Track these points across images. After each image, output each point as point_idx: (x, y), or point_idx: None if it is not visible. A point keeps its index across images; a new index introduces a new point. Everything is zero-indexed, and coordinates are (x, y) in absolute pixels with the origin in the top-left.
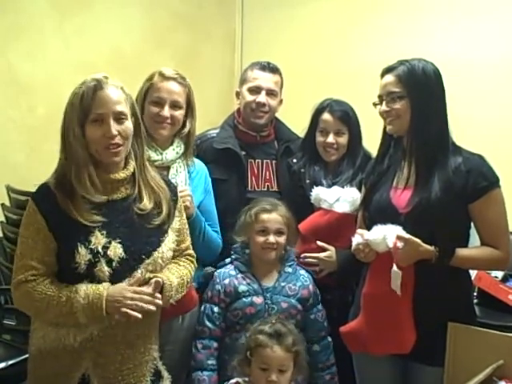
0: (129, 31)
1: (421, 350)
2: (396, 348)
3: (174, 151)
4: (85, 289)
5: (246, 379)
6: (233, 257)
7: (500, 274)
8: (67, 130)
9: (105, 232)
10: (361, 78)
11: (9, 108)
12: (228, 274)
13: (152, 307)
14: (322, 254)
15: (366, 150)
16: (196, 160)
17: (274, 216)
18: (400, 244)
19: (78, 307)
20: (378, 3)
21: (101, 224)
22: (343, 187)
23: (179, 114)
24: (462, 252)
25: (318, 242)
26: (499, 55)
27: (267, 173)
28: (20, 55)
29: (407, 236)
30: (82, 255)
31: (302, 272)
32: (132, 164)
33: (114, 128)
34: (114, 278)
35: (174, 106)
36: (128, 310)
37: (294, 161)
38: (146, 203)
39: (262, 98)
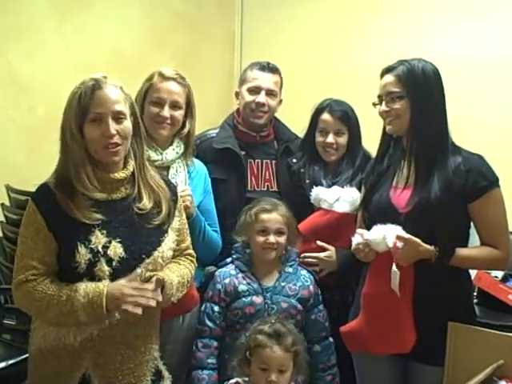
0: (129, 31)
1: (421, 349)
2: (396, 348)
3: (173, 151)
4: (84, 287)
5: (246, 379)
6: (234, 256)
7: (500, 274)
8: (65, 130)
9: (105, 231)
10: (361, 78)
11: (9, 108)
12: (228, 274)
13: (152, 303)
14: (321, 254)
15: (366, 150)
16: (195, 160)
17: (274, 216)
18: (400, 244)
19: (79, 306)
20: (377, 3)
21: (101, 223)
22: (343, 187)
23: (179, 114)
24: (461, 252)
25: (318, 242)
26: (499, 55)
27: (267, 173)
28: (20, 55)
29: (407, 236)
30: (82, 255)
31: (303, 272)
32: (131, 164)
33: (113, 127)
34: (114, 278)
35: (174, 106)
36: (128, 307)
37: (294, 161)
38: (146, 203)
39: (261, 98)
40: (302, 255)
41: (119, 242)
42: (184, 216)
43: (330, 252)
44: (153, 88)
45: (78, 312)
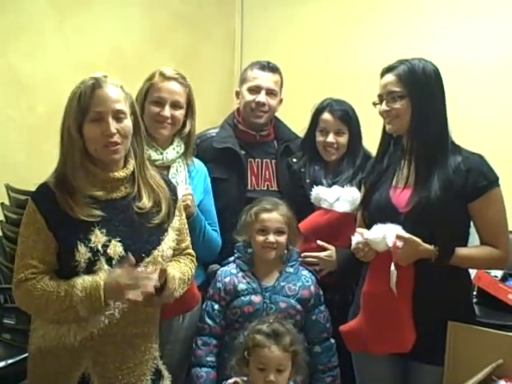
0: (129, 31)
1: (421, 349)
2: (396, 347)
3: (174, 151)
4: (81, 282)
5: (245, 378)
6: (235, 255)
7: (499, 274)
8: (65, 130)
9: (104, 230)
10: (361, 78)
11: (9, 108)
12: (229, 273)
13: (150, 288)
14: (322, 254)
15: (366, 149)
16: (195, 160)
17: (274, 215)
18: (400, 243)
19: (77, 301)
20: (377, 3)
21: (100, 221)
22: (343, 187)
23: (180, 113)
24: (461, 251)
25: (318, 242)
26: (499, 55)
27: (267, 172)
28: (20, 55)
29: (407, 235)
30: (82, 253)
31: (305, 272)
32: (132, 163)
33: (113, 126)
34: (123, 302)
35: (175, 105)
36: (129, 296)
37: (294, 160)
38: (146, 202)
39: (261, 97)
40: (303, 255)
41: (119, 240)
42: (184, 216)
43: (330, 251)
44: (154, 88)
45: (77, 307)
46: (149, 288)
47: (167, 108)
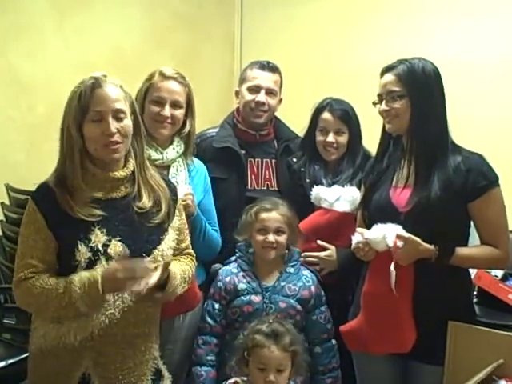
0: (129, 31)
1: (421, 349)
2: (396, 347)
3: (174, 150)
4: (79, 278)
5: (245, 378)
6: (237, 255)
7: (500, 273)
8: (65, 129)
9: (104, 230)
10: (361, 78)
11: (9, 108)
12: (230, 272)
13: (148, 278)
14: (322, 253)
15: (366, 149)
16: (195, 159)
17: (274, 215)
18: (400, 243)
19: (76, 297)
20: (377, 3)
21: (100, 221)
22: (343, 186)
23: (179, 113)
24: (461, 251)
25: (319, 241)
26: (499, 55)
27: (267, 172)
28: (20, 55)
29: (407, 235)
30: (82, 253)
31: (306, 272)
32: (132, 162)
33: (113, 126)
34: (122, 292)
35: (175, 105)
36: (131, 288)
37: (294, 160)
38: (146, 201)
39: (261, 97)
40: (303, 254)
41: (119, 240)
42: (184, 216)
43: (331, 251)
44: (153, 87)
45: (76, 303)
46: (149, 277)
47: (167, 108)
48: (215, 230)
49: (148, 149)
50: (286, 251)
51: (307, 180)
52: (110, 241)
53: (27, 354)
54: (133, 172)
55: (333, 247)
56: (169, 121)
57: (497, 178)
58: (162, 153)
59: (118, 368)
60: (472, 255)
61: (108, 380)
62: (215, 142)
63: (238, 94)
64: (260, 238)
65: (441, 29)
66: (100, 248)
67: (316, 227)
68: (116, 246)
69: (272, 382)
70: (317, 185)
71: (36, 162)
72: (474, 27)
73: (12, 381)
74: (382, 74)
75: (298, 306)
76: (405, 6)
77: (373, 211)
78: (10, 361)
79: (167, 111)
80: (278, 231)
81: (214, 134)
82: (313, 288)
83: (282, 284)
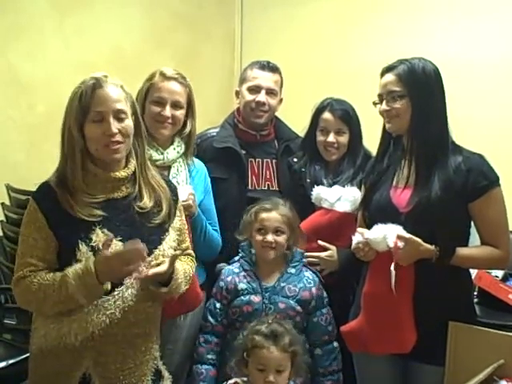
0: (129, 31)
1: (421, 349)
2: (396, 348)
3: (174, 150)
4: (73, 270)
5: (245, 379)
6: (240, 255)
7: (500, 274)
8: (66, 130)
9: (105, 230)
10: (361, 78)
11: (9, 108)
12: (232, 272)
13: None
14: (323, 254)
15: (367, 149)
16: (195, 159)
17: (273, 215)
18: (401, 244)
19: (73, 289)
20: (377, 3)
21: (101, 221)
22: (344, 186)
23: (180, 113)
24: (462, 251)
25: (319, 242)
26: (499, 55)
27: (267, 172)
28: (20, 55)
29: (408, 236)
30: (83, 252)
31: (307, 274)
32: (133, 163)
33: (115, 126)
34: (118, 279)
35: (175, 105)
36: (134, 275)
37: (295, 160)
38: (147, 201)
39: (261, 97)
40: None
41: (120, 240)
42: (184, 216)
43: (331, 251)
44: (154, 87)
45: (74, 295)
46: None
47: (168, 108)
48: (215, 230)
49: (149, 149)
50: (288, 252)
51: (308, 180)
52: (110, 241)
53: (28, 355)
54: (134, 172)
55: (333, 247)
56: (169, 121)
57: (497, 178)
58: (162, 153)
59: (119, 368)
60: (472, 255)
61: (108, 380)
62: (216, 142)
63: (238, 94)
64: (259, 237)
65: (441, 29)
66: (101, 247)
67: (317, 227)
68: (117, 246)
69: (272, 383)
70: (317, 185)
71: (36, 161)
72: (474, 27)
73: (13, 381)
74: (383, 74)
75: (298, 307)
76: (405, 6)
77: (373, 211)
78: (11, 361)
79: (168, 112)
80: (277, 231)
81: (214, 134)
82: (314, 289)
83: (282, 285)
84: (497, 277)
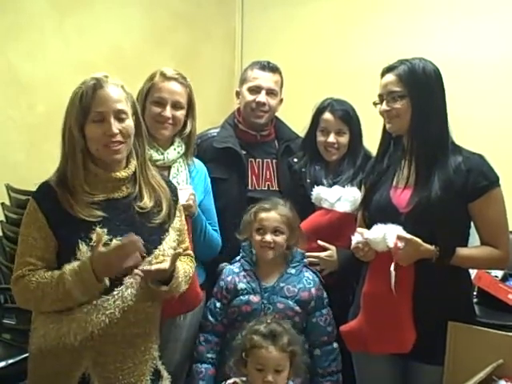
0: (129, 31)
1: (421, 349)
2: (396, 347)
3: (175, 151)
4: (70, 267)
5: (244, 379)
6: (241, 254)
7: (500, 274)
8: (66, 130)
9: (106, 230)
10: (361, 78)
11: (9, 108)
12: (232, 271)
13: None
14: (323, 254)
15: (367, 149)
16: (195, 160)
17: (272, 215)
18: (401, 244)
19: (70, 285)
20: (377, 3)
21: (101, 221)
22: (344, 187)
23: (180, 114)
24: (462, 251)
25: (319, 242)
26: (499, 55)
27: (268, 172)
28: (20, 55)
29: (408, 236)
30: (83, 252)
31: (307, 274)
32: (133, 163)
33: (115, 126)
34: (115, 274)
35: (176, 106)
36: (137, 272)
37: (295, 160)
38: (147, 201)
39: (261, 97)
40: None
41: (120, 240)
42: (183, 217)
43: (331, 252)
44: (154, 88)
45: (71, 292)
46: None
47: (168, 108)
48: (215, 230)
49: (149, 149)
50: (288, 252)
51: (308, 180)
52: (111, 240)
53: (27, 354)
54: (134, 172)
55: (333, 247)
56: (170, 121)
57: (497, 179)
58: (163, 153)
59: (118, 368)
60: (472, 255)
61: (108, 380)
62: (216, 142)
63: (238, 94)
64: (258, 237)
65: (441, 29)
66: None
67: (317, 227)
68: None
69: (270, 383)
70: (317, 185)
71: (36, 161)
72: (474, 27)
73: (12, 381)
74: (383, 74)
75: (297, 308)
76: (405, 6)
77: (373, 211)
78: (10, 361)
79: (168, 112)
80: (276, 231)
81: (214, 134)
82: (313, 290)
83: (282, 285)
84: (496, 277)
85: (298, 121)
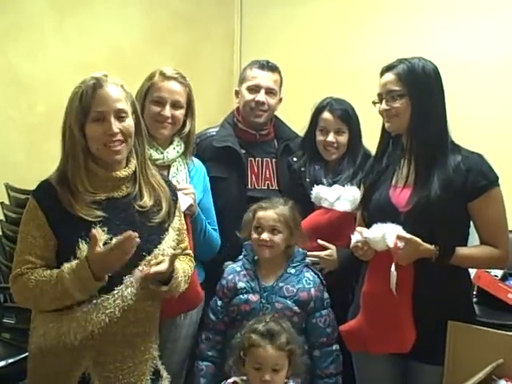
0: (129, 31)
1: (420, 348)
2: (396, 347)
3: (174, 150)
4: (68, 265)
5: (244, 378)
6: (243, 253)
7: (499, 273)
8: (66, 129)
9: (106, 229)
10: (361, 78)
11: (9, 107)
12: (233, 270)
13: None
14: (322, 253)
15: (366, 148)
16: (194, 159)
17: (269, 213)
18: (401, 244)
19: (68, 284)
20: (378, 3)
21: (101, 220)
22: (344, 186)
23: (180, 113)
24: (461, 251)
25: (319, 241)
26: (499, 55)
27: (267, 171)
28: (20, 55)
29: (408, 236)
30: (84, 251)
31: (308, 274)
32: (133, 162)
33: (116, 126)
34: (115, 275)
35: (175, 105)
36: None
37: (295, 159)
38: (147, 201)
39: (261, 96)
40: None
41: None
42: (183, 216)
43: (331, 251)
44: (154, 87)
45: (69, 290)
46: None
47: (168, 108)
48: (214, 230)
49: (149, 149)
50: (288, 251)
51: (307, 179)
52: (111, 239)
53: (27, 354)
54: (134, 171)
55: (333, 247)
56: (169, 121)
57: (497, 178)
58: (162, 152)
59: (118, 367)
60: (472, 255)
61: (108, 379)
62: (215, 141)
63: (237, 93)
64: (255, 236)
65: (441, 29)
66: (101, 246)
67: (316, 227)
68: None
69: (268, 382)
70: (317, 184)
71: (36, 161)
72: (474, 27)
73: (12, 380)
74: (382, 73)
75: (296, 308)
76: (405, 6)
77: (372, 211)
78: (10, 360)
79: (168, 111)
80: (273, 230)
81: (214, 133)
82: (313, 291)
83: (281, 284)
84: (496, 276)
85: (297, 120)
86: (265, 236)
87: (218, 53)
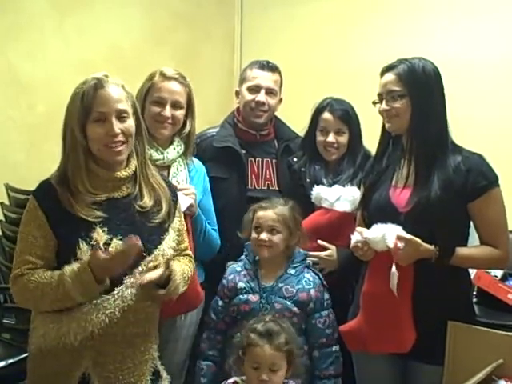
0: (129, 31)
1: (420, 348)
2: (395, 347)
3: (174, 150)
4: (70, 268)
5: (244, 378)
6: (244, 253)
7: (499, 273)
8: (67, 130)
9: (106, 229)
10: (361, 78)
11: (9, 107)
12: (234, 270)
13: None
14: (322, 253)
15: (367, 148)
16: (194, 159)
17: (269, 213)
18: (401, 244)
19: (69, 287)
20: (378, 3)
21: (102, 220)
22: (344, 186)
23: (180, 113)
24: (461, 251)
25: (319, 241)
26: (499, 55)
27: (267, 171)
28: (20, 55)
29: (408, 236)
30: (84, 251)
31: (308, 275)
32: (134, 163)
33: (117, 126)
34: (115, 276)
35: (175, 105)
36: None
37: (295, 160)
38: (147, 201)
39: (261, 96)
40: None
41: (120, 239)
42: (183, 217)
43: (331, 251)
44: (154, 87)
45: (71, 293)
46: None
47: (168, 108)
48: (214, 230)
49: (149, 149)
50: (289, 252)
51: (308, 180)
52: (111, 239)
53: (27, 354)
54: (134, 172)
55: (333, 247)
56: (169, 121)
57: (497, 178)
58: (162, 153)
59: (118, 368)
60: (472, 255)
61: (108, 380)
62: (216, 141)
63: (238, 93)
64: (255, 235)
65: (441, 29)
66: (101, 247)
67: (316, 227)
68: (117, 245)
69: (265, 382)
70: (317, 185)
71: (36, 162)
72: (474, 27)
73: (12, 381)
74: (383, 73)
75: (295, 308)
76: (405, 6)
77: (372, 211)
78: (10, 361)
79: (168, 112)
80: (272, 230)
81: (214, 133)
82: (312, 291)
83: (280, 285)
84: (496, 276)
85: (297, 120)
86: (263, 236)
87: (218, 53)
